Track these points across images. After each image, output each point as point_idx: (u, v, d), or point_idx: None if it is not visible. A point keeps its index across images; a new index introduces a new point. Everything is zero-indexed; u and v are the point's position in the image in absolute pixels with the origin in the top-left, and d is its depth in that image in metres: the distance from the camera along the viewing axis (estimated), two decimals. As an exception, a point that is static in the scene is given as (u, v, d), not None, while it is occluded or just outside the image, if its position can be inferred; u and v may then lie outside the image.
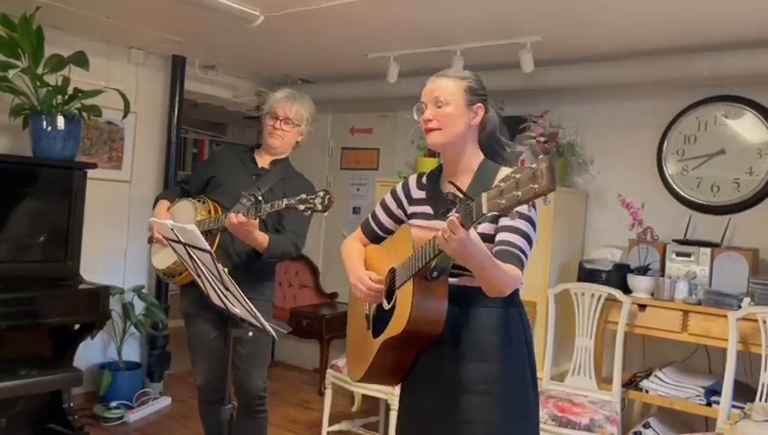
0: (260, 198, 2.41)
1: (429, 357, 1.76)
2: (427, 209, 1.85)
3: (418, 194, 1.91)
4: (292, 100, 2.72)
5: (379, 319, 1.81)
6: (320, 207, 2.27)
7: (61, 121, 3.37)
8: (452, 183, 1.46)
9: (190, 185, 2.84)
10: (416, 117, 1.83)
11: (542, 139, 3.67)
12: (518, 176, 1.28)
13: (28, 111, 3.36)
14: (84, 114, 3.48)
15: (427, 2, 2.94)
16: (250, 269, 2.62)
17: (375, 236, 2.03)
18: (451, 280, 1.69)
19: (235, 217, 2.37)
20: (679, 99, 3.66)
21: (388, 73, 3.87)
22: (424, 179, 1.93)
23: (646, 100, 3.78)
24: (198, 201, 2.68)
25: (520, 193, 1.27)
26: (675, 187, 3.66)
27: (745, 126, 3.47)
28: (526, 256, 1.66)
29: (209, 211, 2.61)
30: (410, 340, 1.70)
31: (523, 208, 1.60)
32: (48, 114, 3.34)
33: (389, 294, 1.79)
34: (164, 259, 2.70)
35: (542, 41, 3.30)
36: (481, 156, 1.84)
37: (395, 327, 1.68)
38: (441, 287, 1.65)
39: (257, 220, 2.41)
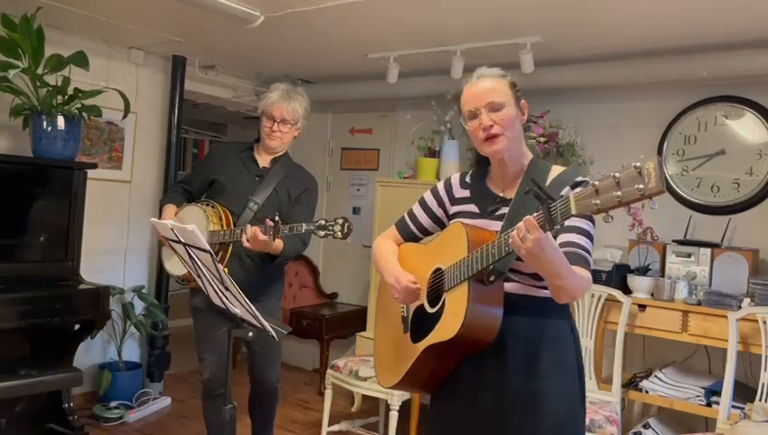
0: (277, 219, 2.43)
1: (472, 367, 1.66)
2: (473, 208, 1.75)
3: (462, 193, 1.81)
4: (287, 99, 2.74)
5: (420, 322, 1.73)
6: (339, 234, 2.36)
7: (61, 121, 3.37)
8: (533, 181, 1.38)
9: (192, 186, 2.88)
10: (465, 126, 1.71)
11: (542, 139, 3.67)
12: (618, 175, 1.21)
13: (28, 111, 3.36)
14: (84, 114, 3.48)
15: (428, 2, 2.94)
16: (263, 272, 2.72)
17: (411, 236, 1.92)
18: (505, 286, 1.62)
19: (257, 235, 2.42)
20: (679, 99, 3.66)
21: (388, 74, 3.87)
22: (468, 178, 1.83)
23: (646, 100, 3.78)
24: (207, 205, 2.72)
25: (620, 193, 1.20)
26: (675, 187, 3.66)
27: (745, 126, 3.47)
28: (590, 254, 1.59)
29: (220, 218, 2.66)
30: (458, 347, 1.60)
31: None
32: (48, 114, 3.34)
33: (433, 295, 1.71)
34: (178, 265, 2.69)
35: (542, 41, 3.30)
36: (530, 154, 1.76)
37: (443, 332, 1.59)
38: (497, 292, 1.57)
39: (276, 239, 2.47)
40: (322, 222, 2.39)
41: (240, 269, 2.66)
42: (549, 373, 1.60)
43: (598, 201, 1.23)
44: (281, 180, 2.76)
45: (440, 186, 1.87)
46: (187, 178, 3.00)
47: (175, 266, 2.73)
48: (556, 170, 1.68)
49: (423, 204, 1.90)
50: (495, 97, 1.65)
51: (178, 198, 2.87)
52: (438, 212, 1.86)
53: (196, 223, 2.55)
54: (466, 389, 1.67)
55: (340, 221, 2.37)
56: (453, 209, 1.82)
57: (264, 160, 2.82)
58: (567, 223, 1.52)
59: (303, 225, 2.42)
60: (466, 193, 1.80)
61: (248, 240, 2.47)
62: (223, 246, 2.63)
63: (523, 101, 1.71)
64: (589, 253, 1.58)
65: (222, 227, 2.64)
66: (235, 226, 2.66)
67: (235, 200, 2.70)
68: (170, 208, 2.80)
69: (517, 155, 1.72)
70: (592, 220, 1.60)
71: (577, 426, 1.66)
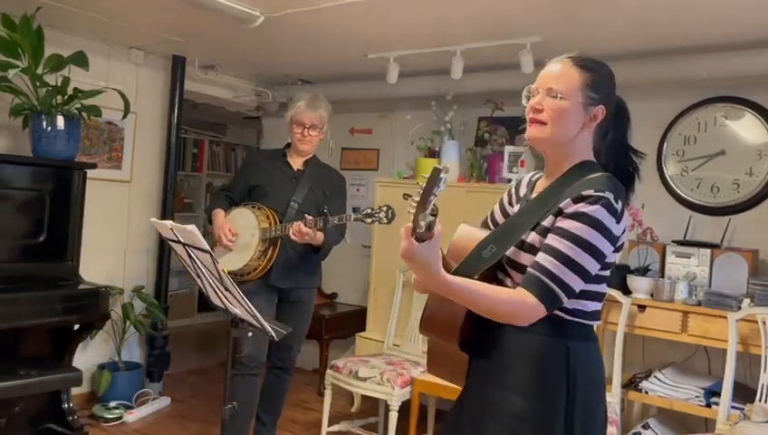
0: (326, 210, 2.82)
1: (472, 375, 1.63)
2: (517, 208, 1.68)
3: (523, 191, 1.71)
4: (314, 107, 3.11)
5: None
6: (385, 220, 2.76)
7: (60, 121, 3.36)
8: (427, 178, 1.23)
9: (234, 193, 3.21)
10: (523, 101, 1.58)
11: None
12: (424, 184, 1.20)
13: (28, 110, 3.36)
14: (84, 114, 3.48)
15: (427, 3, 2.94)
16: (306, 261, 3.10)
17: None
18: None
19: (301, 229, 2.81)
20: (679, 99, 3.66)
21: (387, 74, 3.87)
22: (535, 178, 1.71)
23: (646, 100, 3.77)
24: (254, 207, 3.06)
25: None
26: (675, 187, 3.66)
27: (745, 127, 3.47)
28: (560, 281, 1.40)
29: (267, 217, 3.02)
30: (433, 339, 1.62)
31: (572, 225, 1.41)
32: (48, 114, 3.34)
33: None
34: (232, 261, 3.01)
35: (541, 41, 3.30)
36: (585, 158, 1.57)
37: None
38: None
39: (317, 231, 2.88)
40: (369, 211, 2.77)
41: (286, 261, 3.04)
42: (522, 390, 1.49)
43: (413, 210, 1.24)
44: (314, 180, 3.14)
45: (514, 184, 1.78)
46: (228, 186, 3.34)
47: (227, 262, 2.99)
48: (594, 174, 1.51)
49: (500, 200, 1.80)
50: (556, 84, 1.51)
51: (224, 203, 3.18)
52: (509, 209, 1.75)
53: (247, 223, 3.09)
54: (462, 396, 1.68)
55: (384, 208, 2.77)
56: (516, 208, 1.72)
57: (297, 163, 3.18)
58: (547, 241, 1.44)
59: (351, 215, 2.84)
60: (524, 191, 1.71)
61: (294, 234, 2.84)
62: (273, 241, 3.00)
63: (600, 106, 1.53)
64: (551, 277, 1.40)
65: (270, 225, 3.00)
66: (281, 223, 3.00)
67: (277, 202, 3.06)
68: (220, 213, 3.12)
69: (561, 156, 1.56)
70: (579, 242, 1.41)
71: None
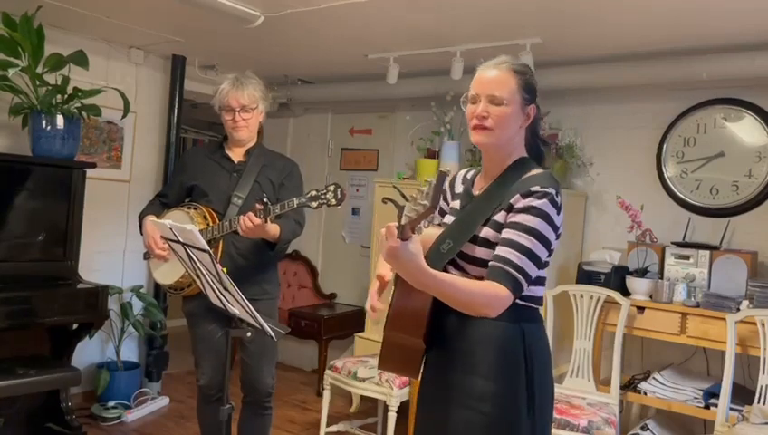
0: (265, 199, 2.34)
1: (432, 364, 1.71)
2: (457, 205, 1.75)
3: (460, 188, 1.81)
4: (240, 86, 2.66)
5: None
6: (333, 201, 2.29)
7: (60, 121, 3.36)
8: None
9: (168, 197, 2.79)
10: (463, 108, 1.68)
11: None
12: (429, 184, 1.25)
13: (27, 110, 3.36)
14: (84, 114, 3.48)
15: (428, 3, 2.94)
16: (258, 264, 2.63)
17: None
18: None
19: (248, 221, 2.34)
20: (679, 101, 3.66)
21: (387, 74, 3.87)
22: (469, 174, 1.82)
23: (645, 102, 3.78)
24: (190, 208, 2.63)
25: (425, 201, 1.25)
26: (674, 189, 3.67)
27: (745, 129, 3.48)
28: (523, 272, 1.51)
29: (204, 217, 2.57)
30: (395, 337, 1.67)
31: (526, 218, 1.52)
32: (47, 113, 3.34)
33: None
34: (168, 274, 2.63)
35: (541, 42, 3.30)
36: (522, 155, 1.70)
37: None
38: (418, 293, 1.53)
39: (268, 221, 2.38)
40: (314, 192, 2.31)
41: (232, 267, 2.53)
42: (484, 374, 1.58)
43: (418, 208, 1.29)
44: (260, 171, 2.68)
45: (448, 181, 1.84)
46: (162, 191, 2.93)
47: (164, 276, 2.66)
48: (535, 171, 1.63)
49: None
50: (498, 91, 1.61)
51: (157, 209, 2.76)
52: (444, 205, 1.82)
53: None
54: (429, 388, 1.74)
55: (332, 187, 2.29)
56: (452, 204, 1.79)
57: (237, 155, 2.73)
58: (506, 235, 1.54)
59: (294, 199, 2.35)
60: (462, 189, 1.79)
61: (244, 229, 2.37)
62: (213, 243, 2.52)
63: (531, 105, 1.66)
64: (517, 268, 1.51)
65: (208, 225, 2.55)
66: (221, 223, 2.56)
67: (217, 201, 2.63)
68: (149, 219, 2.65)
69: (504, 155, 1.68)
70: (535, 235, 1.52)
71: (513, 432, 1.59)
